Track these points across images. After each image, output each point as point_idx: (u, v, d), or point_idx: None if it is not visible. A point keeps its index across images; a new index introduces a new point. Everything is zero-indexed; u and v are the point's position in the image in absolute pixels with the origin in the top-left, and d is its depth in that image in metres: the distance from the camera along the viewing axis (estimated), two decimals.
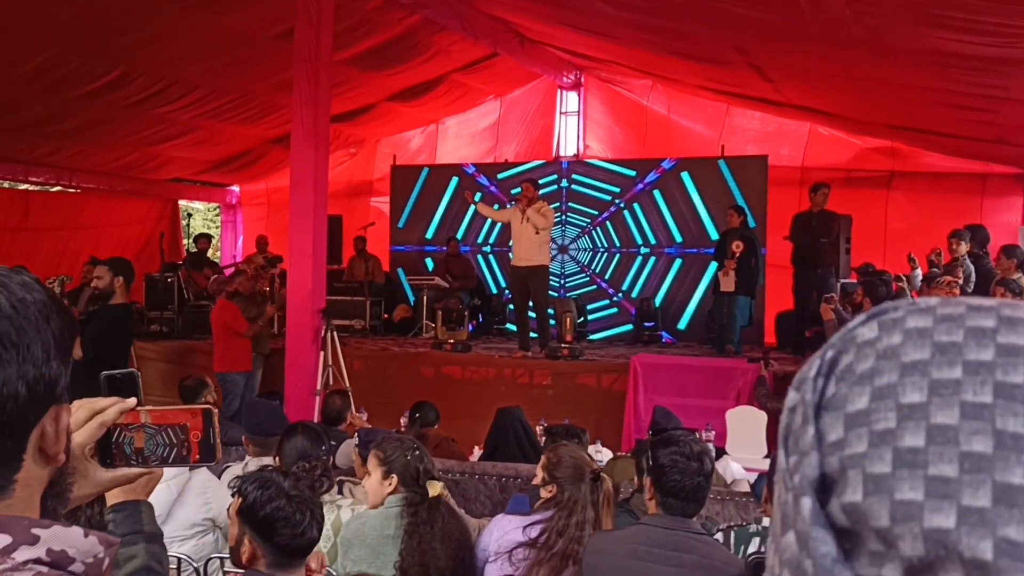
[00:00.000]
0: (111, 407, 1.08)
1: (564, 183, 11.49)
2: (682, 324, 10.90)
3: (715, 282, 9.24)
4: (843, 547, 0.45)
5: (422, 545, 3.00)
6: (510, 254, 9.15)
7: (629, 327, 10.91)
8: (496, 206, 11.09)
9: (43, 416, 0.83)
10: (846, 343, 0.48)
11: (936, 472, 0.42)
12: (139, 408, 1.09)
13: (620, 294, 11.27)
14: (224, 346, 8.15)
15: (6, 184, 13.35)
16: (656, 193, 11.06)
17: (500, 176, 11.82)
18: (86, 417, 1.06)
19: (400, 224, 12.22)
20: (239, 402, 7.88)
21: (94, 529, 0.83)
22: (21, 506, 0.82)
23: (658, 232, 11.07)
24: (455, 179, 11.94)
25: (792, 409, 0.48)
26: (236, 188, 14.79)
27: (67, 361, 0.85)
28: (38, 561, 0.78)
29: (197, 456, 1.11)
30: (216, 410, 1.13)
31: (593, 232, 11.42)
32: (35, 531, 0.79)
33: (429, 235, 12.11)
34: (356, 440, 4.18)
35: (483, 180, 11.90)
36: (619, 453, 6.03)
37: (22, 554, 0.77)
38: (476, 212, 10.05)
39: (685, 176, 10.93)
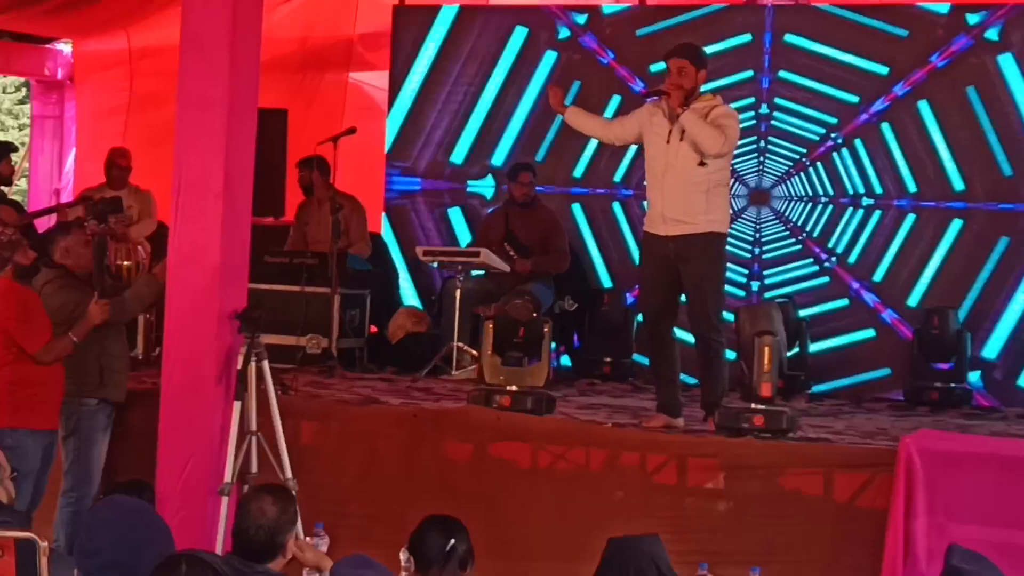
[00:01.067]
0: None
1: (767, 57, 7.00)
2: (991, 352, 6.65)
3: None
4: None
5: None
6: (644, 204, 5.76)
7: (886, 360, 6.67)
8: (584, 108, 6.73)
9: None
10: None
11: None
12: None
13: (878, 297, 6.81)
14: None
15: None
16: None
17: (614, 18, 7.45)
18: None
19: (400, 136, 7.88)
20: (35, 493, 5.22)
21: None
22: None
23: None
24: (520, 29, 7.70)
25: None
26: (65, 47, 10.30)
27: None
28: None
29: None
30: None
31: (836, 156, 6.87)
32: None
33: (462, 159, 7.80)
34: None
35: (585, 42, 7.60)
36: None
37: None
38: (565, 122, 6.28)
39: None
